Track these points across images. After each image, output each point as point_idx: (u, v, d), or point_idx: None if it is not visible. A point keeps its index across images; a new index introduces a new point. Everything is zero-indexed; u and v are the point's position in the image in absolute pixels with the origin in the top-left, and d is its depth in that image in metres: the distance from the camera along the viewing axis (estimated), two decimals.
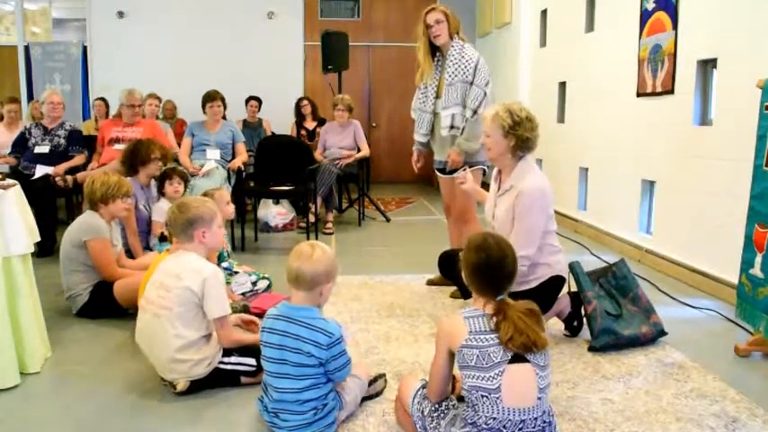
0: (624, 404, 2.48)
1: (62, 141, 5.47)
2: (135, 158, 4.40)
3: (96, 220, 3.55)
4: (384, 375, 2.64)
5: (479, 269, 2.00)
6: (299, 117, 7.50)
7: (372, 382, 2.54)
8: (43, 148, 5.38)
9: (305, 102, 7.61)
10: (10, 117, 6.38)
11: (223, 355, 2.62)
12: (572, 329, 3.25)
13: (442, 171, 4.07)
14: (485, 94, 3.81)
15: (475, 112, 3.77)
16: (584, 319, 3.18)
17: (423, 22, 3.92)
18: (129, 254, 4.03)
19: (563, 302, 3.23)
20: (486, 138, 3.10)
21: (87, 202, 3.63)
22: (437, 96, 3.95)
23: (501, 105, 3.06)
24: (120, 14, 9.49)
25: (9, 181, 2.90)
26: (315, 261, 2.19)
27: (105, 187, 3.56)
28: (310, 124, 7.46)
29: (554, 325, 3.29)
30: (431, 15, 3.88)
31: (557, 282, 3.09)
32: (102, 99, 8.05)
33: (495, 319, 1.92)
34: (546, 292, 3.05)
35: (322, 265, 2.20)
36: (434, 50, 3.97)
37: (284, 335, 2.16)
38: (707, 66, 4.19)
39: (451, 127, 3.86)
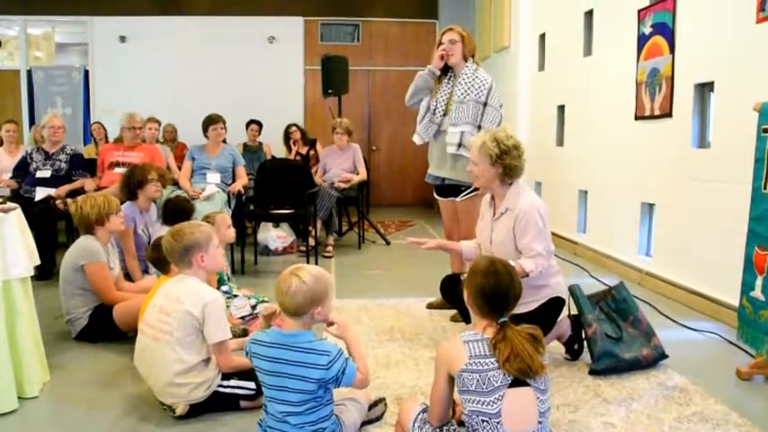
0: (626, 428, 2.46)
1: (63, 165, 5.49)
2: (132, 182, 4.41)
3: (93, 244, 3.54)
4: (384, 399, 2.63)
5: (486, 294, 2.00)
6: (288, 144, 7.56)
7: (372, 406, 2.52)
8: (45, 173, 5.40)
9: (293, 128, 7.68)
10: (9, 137, 6.35)
11: (222, 379, 2.60)
12: (572, 353, 3.23)
13: (441, 194, 4.07)
14: (501, 116, 3.83)
15: None
16: (585, 343, 3.16)
17: (438, 41, 3.96)
18: (128, 277, 4.02)
19: (563, 326, 3.22)
20: (473, 166, 3.12)
21: (82, 227, 3.62)
22: (445, 113, 3.95)
23: (488, 134, 3.08)
24: (122, 39, 9.59)
25: (10, 204, 2.91)
26: (293, 294, 2.11)
27: (96, 208, 3.56)
28: (303, 149, 7.51)
29: (555, 348, 3.27)
30: (446, 35, 3.91)
31: (557, 303, 3.08)
32: (99, 123, 8.09)
33: (494, 340, 1.92)
34: (546, 314, 3.04)
35: (300, 296, 2.11)
36: (445, 69, 3.97)
37: (280, 362, 2.12)
38: (704, 89, 4.23)
39: (460, 145, 3.80)
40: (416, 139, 4.12)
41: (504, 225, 3.08)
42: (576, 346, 3.24)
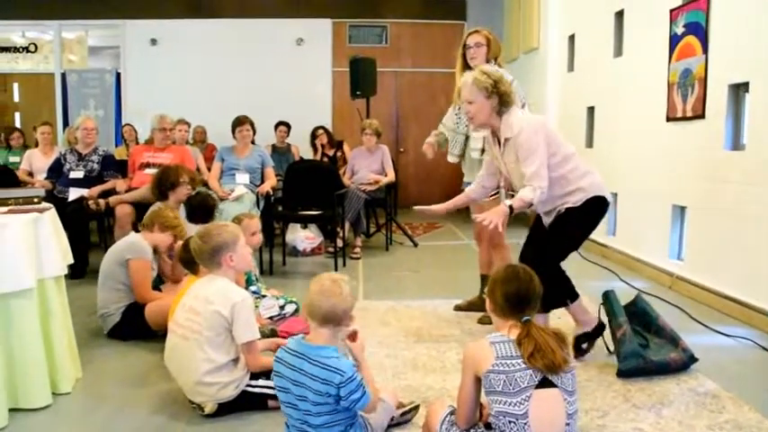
0: None
1: (96, 166, 5.59)
2: (164, 184, 4.48)
3: (142, 242, 3.67)
4: (418, 407, 2.59)
5: (508, 298, 2.04)
6: (314, 147, 7.61)
7: (406, 412, 2.50)
8: (78, 174, 5.50)
9: (320, 131, 7.72)
10: (44, 139, 6.54)
11: (251, 378, 2.63)
12: (578, 350, 3.19)
13: None
14: None
15: None
16: (613, 346, 3.13)
17: (463, 42, 3.93)
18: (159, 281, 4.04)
19: (589, 315, 3.21)
20: (468, 106, 3.13)
21: (147, 222, 3.80)
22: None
23: (474, 71, 3.15)
24: (153, 42, 9.71)
25: (45, 204, 2.98)
26: (345, 298, 2.12)
27: (177, 221, 3.76)
28: (329, 150, 7.54)
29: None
30: (472, 38, 3.88)
31: (597, 202, 3.11)
32: (130, 125, 8.22)
33: (518, 338, 1.93)
34: (587, 214, 3.10)
35: (347, 303, 2.14)
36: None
37: (300, 372, 2.11)
38: (738, 90, 4.15)
39: (483, 150, 3.80)
40: (450, 159, 4.14)
41: (511, 153, 3.12)
42: (585, 345, 3.21)
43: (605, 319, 3.22)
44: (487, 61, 3.84)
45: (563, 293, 3.22)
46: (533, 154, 2.98)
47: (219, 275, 2.68)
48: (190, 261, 3.10)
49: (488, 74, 3.09)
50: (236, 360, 2.62)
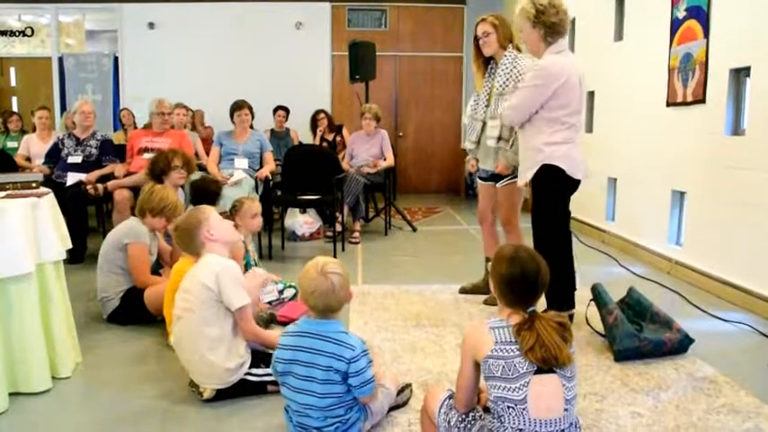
0: (653, 418, 2.44)
1: (94, 151, 5.57)
2: (157, 169, 4.48)
3: (140, 226, 3.67)
4: (410, 385, 2.63)
5: (512, 282, 1.96)
6: (314, 130, 7.60)
7: (399, 392, 2.53)
8: (76, 158, 5.48)
9: (321, 115, 7.70)
10: (41, 124, 6.52)
11: (251, 366, 2.63)
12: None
13: (484, 179, 4.05)
14: None
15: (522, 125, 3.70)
16: (606, 333, 3.16)
17: (474, 34, 3.89)
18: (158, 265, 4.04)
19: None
20: (520, 34, 3.34)
21: (138, 209, 3.74)
22: (487, 105, 3.89)
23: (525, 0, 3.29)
24: (151, 26, 9.65)
25: (43, 189, 2.97)
26: (338, 291, 2.14)
27: (164, 203, 3.68)
28: (329, 135, 7.53)
29: (581, 336, 3.25)
30: (479, 27, 3.82)
31: (551, 171, 3.26)
32: (127, 109, 8.20)
33: (517, 327, 1.90)
34: (541, 182, 3.29)
35: (344, 289, 2.16)
36: (489, 59, 3.90)
37: (308, 351, 2.13)
38: (739, 74, 4.13)
39: (499, 138, 3.76)
40: (467, 145, 4.11)
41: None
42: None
43: (595, 311, 3.25)
44: (502, 46, 3.77)
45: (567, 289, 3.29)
46: (523, 89, 3.25)
47: (209, 252, 2.72)
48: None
49: (534, 2, 3.21)
50: (234, 334, 2.62)
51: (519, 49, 3.79)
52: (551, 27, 3.20)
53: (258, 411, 2.54)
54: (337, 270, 2.17)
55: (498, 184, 3.88)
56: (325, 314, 2.17)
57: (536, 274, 1.97)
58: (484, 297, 3.97)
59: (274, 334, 2.68)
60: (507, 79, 3.72)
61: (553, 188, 3.30)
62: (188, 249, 2.82)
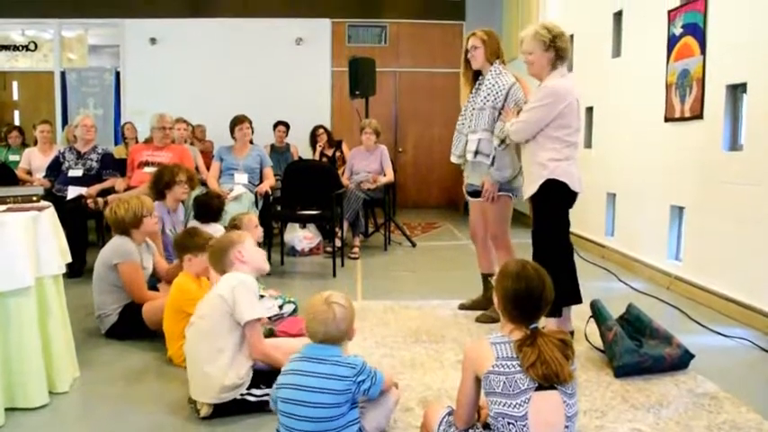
0: None
1: (95, 165, 5.59)
2: (161, 182, 4.47)
3: (127, 244, 3.61)
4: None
5: (517, 299, 1.97)
6: (314, 145, 7.62)
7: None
8: (77, 172, 5.50)
9: (320, 130, 7.73)
10: (43, 137, 6.52)
11: (251, 387, 2.61)
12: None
13: (472, 194, 4.06)
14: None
15: (502, 141, 3.73)
16: (606, 350, 3.15)
17: (464, 47, 3.96)
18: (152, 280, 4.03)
19: (568, 324, 3.44)
20: (527, 56, 3.40)
21: (117, 230, 3.68)
22: (470, 119, 3.94)
23: (538, 24, 3.44)
24: (153, 41, 9.71)
25: (43, 203, 2.97)
26: (339, 321, 2.15)
27: (131, 212, 3.62)
28: (328, 150, 7.54)
29: (582, 352, 3.24)
30: (469, 41, 3.91)
31: (555, 186, 3.34)
32: (131, 123, 8.22)
33: (519, 343, 1.90)
34: (542, 195, 3.37)
35: (346, 321, 2.18)
36: (478, 73, 3.97)
37: (315, 376, 2.11)
38: (736, 90, 4.15)
39: (477, 152, 3.81)
40: (452, 159, 4.14)
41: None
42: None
43: (595, 328, 3.24)
44: (488, 61, 3.85)
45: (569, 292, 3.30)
46: (532, 108, 3.34)
47: (234, 272, 2.73)
48: (184, 246, 3.27)
49: (549, 29, 3.34)
50: (238, 350, 2.60)
51: (503, 64, 3.92)
52: (563, 52, 3.34)
53: (255, 429, 2.52)
54: (341, 302, 2.19)
55: (481, 199, 3.91)
56: (325, 343, 2.17)
57: (541, 292, 1.97)
58: (480, 313, 3.96)
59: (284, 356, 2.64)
60: (488, 94, 3.79)
61: (557, 201, 3.40)
62: (216, 266, 2.81)
